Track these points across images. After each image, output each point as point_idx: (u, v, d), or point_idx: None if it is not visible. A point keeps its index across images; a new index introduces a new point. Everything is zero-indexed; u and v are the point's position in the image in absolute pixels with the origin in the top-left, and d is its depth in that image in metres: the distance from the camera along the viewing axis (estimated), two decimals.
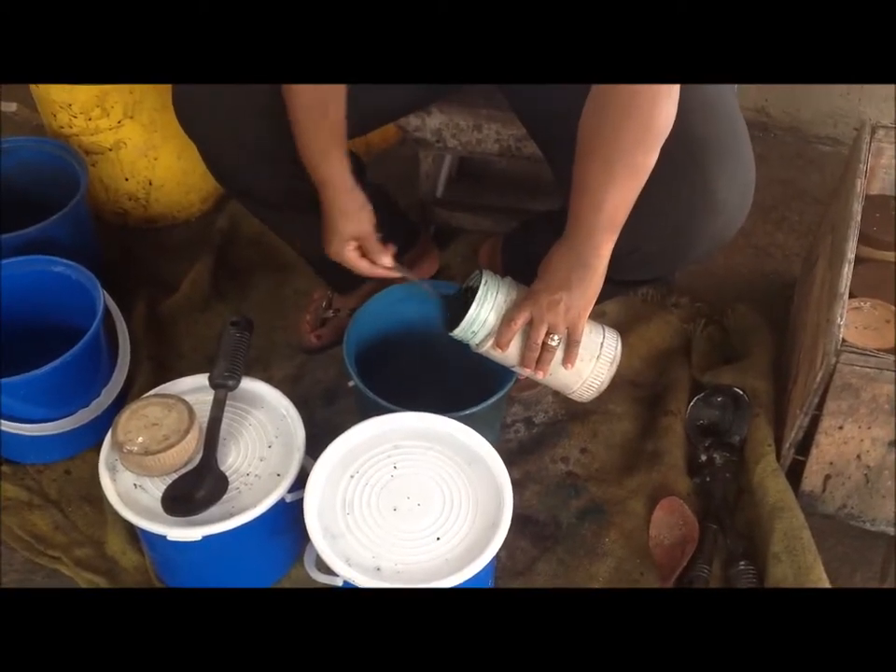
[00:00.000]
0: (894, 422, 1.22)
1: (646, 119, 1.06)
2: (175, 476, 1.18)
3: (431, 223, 1.73)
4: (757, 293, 1.68)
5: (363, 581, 1.06)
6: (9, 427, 1.35)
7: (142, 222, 1.83)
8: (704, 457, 1.41)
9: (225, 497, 1.16)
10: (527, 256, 1.46)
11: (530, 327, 1.17)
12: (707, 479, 1.38)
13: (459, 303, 1.23)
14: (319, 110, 1.18)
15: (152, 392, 1.25)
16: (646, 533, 1.34)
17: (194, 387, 1.27)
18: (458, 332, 1.21)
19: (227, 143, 1.26)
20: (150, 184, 1.77)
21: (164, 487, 1.17)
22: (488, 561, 1.08)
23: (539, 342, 1.17)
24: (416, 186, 1.75)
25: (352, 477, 1.16)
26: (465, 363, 1.33)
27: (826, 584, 1.22)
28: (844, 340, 1.20)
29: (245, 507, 1.15)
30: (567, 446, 1.47)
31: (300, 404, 1.27)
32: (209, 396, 1.25)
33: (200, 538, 1.12)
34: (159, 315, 1.64)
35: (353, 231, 1.25)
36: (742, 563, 1.27)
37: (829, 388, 1.20)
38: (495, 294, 1.20)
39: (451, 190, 1.80)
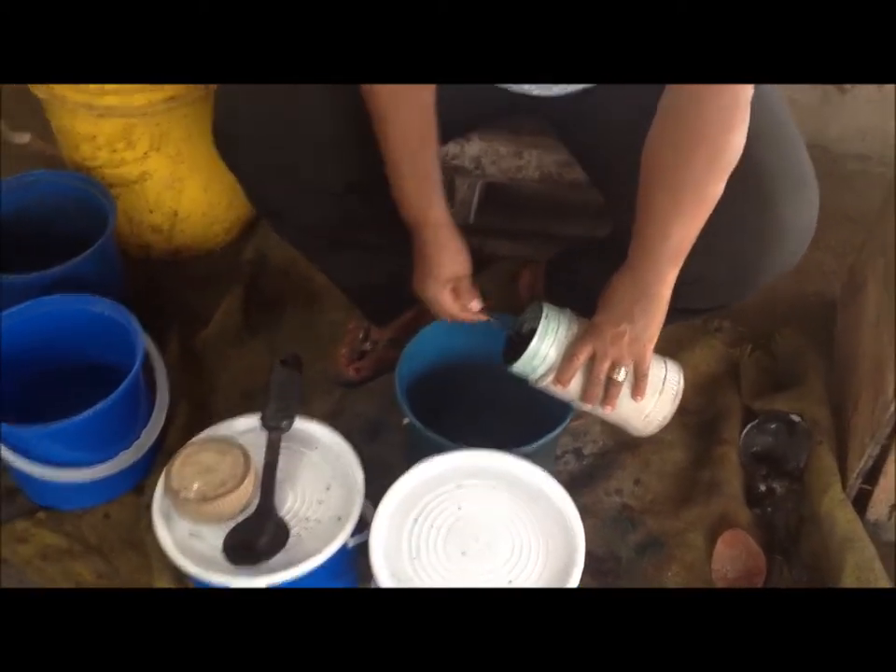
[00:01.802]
0: None
1: (717, 149, 1.04)
2: (233, 524, 1.14)
3: None
4: (798, 315, 1.65)
5: None
6: (50, 474, 1.31)
7: (165, 254, 1.79)
8: (763, 487, 1.38)
9: None
10: (571, 284, 1.44)
11: (593, 361, 1.12)
12: (769, 509, 1.35)
13: (517, 337, 1.20)
14: (417, 141, 1.13)
15: (203, 435, 1.21)
16: (708, 566, 1.31)
17: (246, 429, 1.23)
18: (518, 367, 1.16)
19: (277, 177, 1.19)
20: (175, 215, 1.73)
21: (222, 535, 1.13)
22: None
23: (603, 376, 1.12)
24: None
25: (416, 520, 1.12)
26: (513, 396, 1.29)
27: None
28: None
29: (308, 552, 1.11)
30: (619, 477, 1.44)
31: None
32: (261, 437, 1.21)
33: (264, 587, 1.09)
34: (192, 350, 1.60)
35: (453, 272, 1.18)
36: None
37: None
38: (556, 328, 1.15)
39: (482, 216, 1.77)
